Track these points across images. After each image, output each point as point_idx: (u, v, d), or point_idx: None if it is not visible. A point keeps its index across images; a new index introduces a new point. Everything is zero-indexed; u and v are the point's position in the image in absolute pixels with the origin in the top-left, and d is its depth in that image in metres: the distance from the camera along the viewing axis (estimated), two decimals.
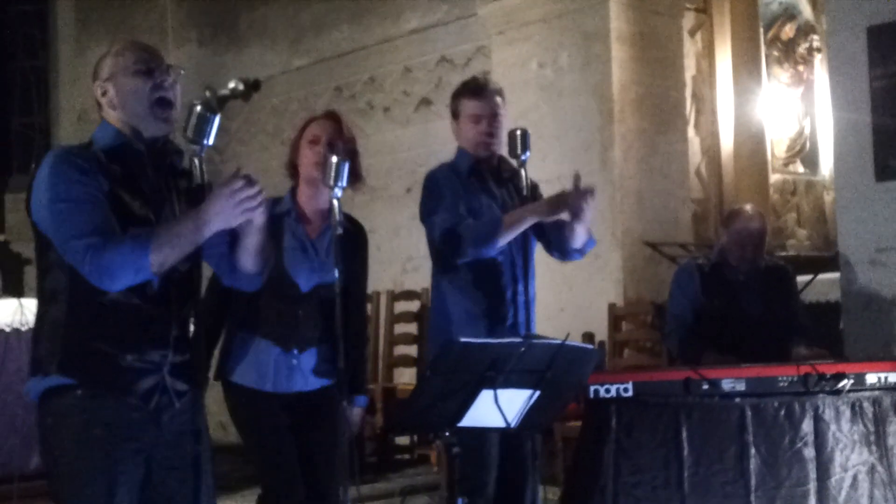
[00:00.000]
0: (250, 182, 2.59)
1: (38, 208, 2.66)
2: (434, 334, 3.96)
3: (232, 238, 2.78)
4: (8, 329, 5.34)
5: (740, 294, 4.92)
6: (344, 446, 3.44)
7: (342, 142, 3.70)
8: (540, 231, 3.86)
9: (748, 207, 5.14)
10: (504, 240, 3.72)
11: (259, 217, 2.70)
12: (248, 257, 2.80)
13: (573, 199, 3.66)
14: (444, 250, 3.79)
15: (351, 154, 3.66)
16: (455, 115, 3.97)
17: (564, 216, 3.73)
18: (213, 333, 3.70)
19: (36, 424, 2.73)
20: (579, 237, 3.82)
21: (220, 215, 2.58)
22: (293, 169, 3.77)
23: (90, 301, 2.63)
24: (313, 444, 3.65)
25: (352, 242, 3.70)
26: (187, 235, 2.59)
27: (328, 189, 3.33)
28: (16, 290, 7.29)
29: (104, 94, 2.77)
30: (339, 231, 3.39)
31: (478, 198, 3.85)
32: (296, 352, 3.64)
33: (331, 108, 3.97)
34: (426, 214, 3.87)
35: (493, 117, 3.89)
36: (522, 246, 3.84)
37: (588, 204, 3.68)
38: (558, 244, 3.89)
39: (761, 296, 4.93)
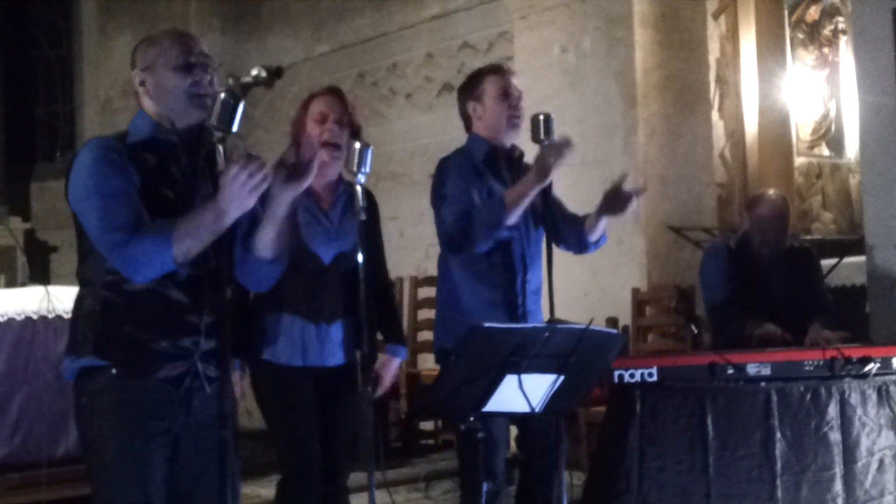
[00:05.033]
0: (248, 161, 2.57)
1: (75, 200, 2.74)
2: (445, 324, 3.90)
3: (251, 225, 2.79)
4: (35, 316, 5.36)
5: (764, 276, 4.91)
6: (368, 431, 3.45)
7: (349, 118, 3.70)
8: (552, 224, 3.82)
9: (771, 192, 5.13)
10: (510, 218, 3.67)
11: (283, 204, 2.72)
12: (266, 243, 2.79)
13: (546, 154, 3.61)
14: (457, 239, 3.75)
15: (355, 127, 3.70)
16: (476, 98, 3.89)
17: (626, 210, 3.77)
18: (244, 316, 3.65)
19: (72, 404, 2.81)
20: (599, 230, 3.85)
21: (234, 202, 2.59)
22: (298, 147, 3.68)
23: (124, 288, 2.71)
24: (335, 425, 3.67)
25: (369, 214, 3.61)
26: (208, 226, 2.62)
27: (340, 166, 3.32)
28: (42, 278, 7.34)
29: (142, 83, 2.81)
30: (363, 217, 3.39)
31: (491, 185, 3.82)
32: (324, 325, 3.64)
33: (332, 84, 3.92)
34: (439, 203, 3.83)
35: (519, 96, 3.88)
36: (528, 234, 3.83)
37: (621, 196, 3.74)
38: (578, 237, 3.89)
39: (785, 278, 4.91)
